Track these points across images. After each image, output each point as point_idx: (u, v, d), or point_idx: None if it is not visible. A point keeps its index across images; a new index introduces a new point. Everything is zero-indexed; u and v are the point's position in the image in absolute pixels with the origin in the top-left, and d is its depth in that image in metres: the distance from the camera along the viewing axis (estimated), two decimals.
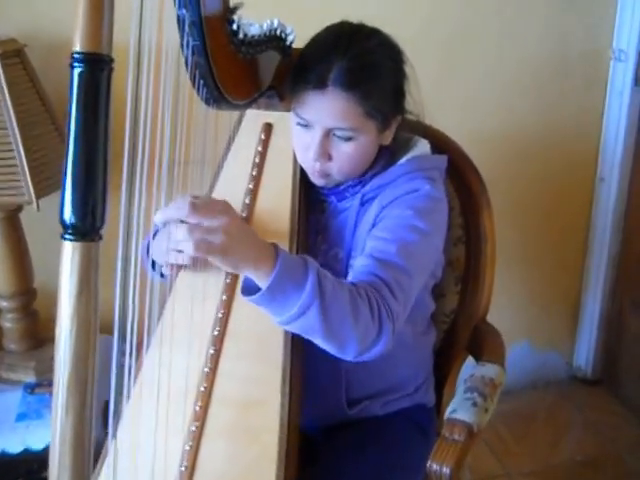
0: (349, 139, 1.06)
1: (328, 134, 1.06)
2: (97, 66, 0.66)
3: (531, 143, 2.05)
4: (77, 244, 0.66)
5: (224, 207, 0.87)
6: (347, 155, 1.07)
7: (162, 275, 1.08)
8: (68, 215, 0.66)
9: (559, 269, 2.27)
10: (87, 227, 0.66)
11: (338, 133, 1.05)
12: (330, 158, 1.08)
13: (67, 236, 0.66)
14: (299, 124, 1.08)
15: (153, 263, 1.10)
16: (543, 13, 1.94)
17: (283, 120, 1.20)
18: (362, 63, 1.03)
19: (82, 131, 0.66)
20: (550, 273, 2.26)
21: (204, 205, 0.84)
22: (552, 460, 2.05)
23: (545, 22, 1.95)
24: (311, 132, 1.07)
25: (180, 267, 0.88)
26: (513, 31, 1.93)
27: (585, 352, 2.36)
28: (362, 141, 1.07)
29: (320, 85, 1.02)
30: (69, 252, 0.66)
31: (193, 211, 0.82)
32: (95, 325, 0.67)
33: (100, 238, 0.67)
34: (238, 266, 0.87)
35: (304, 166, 1.13)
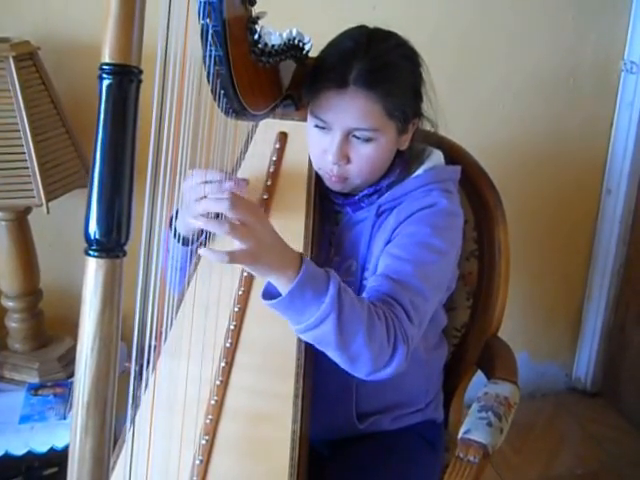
0: (369, 140, 1.05)
1: (347, 136, 1.05)
2: (126, 78, 0.64)
3: (539, 153, 2.04)
4: (101, 260, 0.64)
5: (258, 210, 0.86)
6: (366, 157, 1.06)
7: (184, 243, 1.08)
8: (93, 230, 0.64)
9: (562, 280, 2.27)
10: (112, 243, 0.64)
11: (358, 134, 1.04)
12: (349, 161, 1.07)
13: (91, 252, 0.64)
14: (317, 127, 1.07)
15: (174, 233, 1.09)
16: (554, 24, 1.94)
17: (298, 129, 1.18)
18: (382, 63, 1.03)
19: (109, 144, 0.64)
20: (553, 284, 2.26)
21: (243, 204, 0.83)
22: (550, 472, 2.04)
23: (556, 33, 1.95)
24: (330, 135, 1.05)
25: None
26: (524, 41, 1.92)
27: (585, 364, 2.36)
28: (382, 142, 1.06)
29: (341, 85, 1.01)
30: (93, 268, 0.64)
31: (232, 208, 0.81)
32: (117, 343, 0.65)
33: (124, 254, 0.65)
34: (266, 272, 0.86)
35: (321, 172, 1.12)
